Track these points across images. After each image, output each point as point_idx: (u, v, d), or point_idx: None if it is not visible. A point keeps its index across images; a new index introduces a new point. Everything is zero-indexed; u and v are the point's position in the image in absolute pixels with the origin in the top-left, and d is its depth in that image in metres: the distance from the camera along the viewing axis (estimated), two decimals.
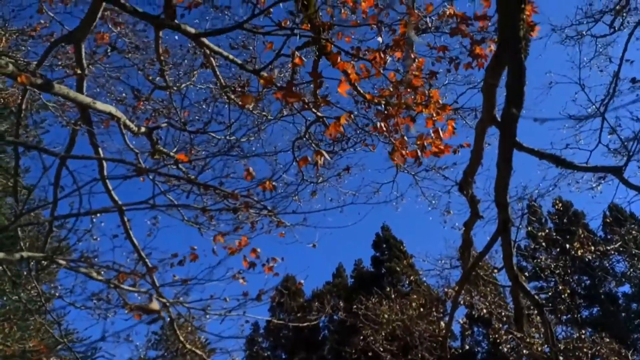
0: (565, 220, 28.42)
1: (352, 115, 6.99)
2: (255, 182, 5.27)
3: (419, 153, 5.59)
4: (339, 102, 5.93)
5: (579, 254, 13.16)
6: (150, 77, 9.21)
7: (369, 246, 38.83)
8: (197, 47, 8.41)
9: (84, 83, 6.93)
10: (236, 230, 5.95)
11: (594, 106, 11.07)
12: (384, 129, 5.76)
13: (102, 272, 5.41)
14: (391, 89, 5.70)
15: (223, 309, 5.54)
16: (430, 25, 6.20)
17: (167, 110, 9.59)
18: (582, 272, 31.55)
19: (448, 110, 5.49)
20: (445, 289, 15.37)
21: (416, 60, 5.65)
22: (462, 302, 14.40)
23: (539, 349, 11.39)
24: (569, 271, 17.64)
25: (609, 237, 24.66)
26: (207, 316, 5.87)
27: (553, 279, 23.04)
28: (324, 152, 4.87)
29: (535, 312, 10.60)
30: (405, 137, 5.75)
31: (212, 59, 8.27)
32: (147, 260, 6.89)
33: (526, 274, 18.95)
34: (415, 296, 16.73)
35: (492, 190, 6.63)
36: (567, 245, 13.48)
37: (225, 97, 8.71)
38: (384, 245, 37.64)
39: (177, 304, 5.58)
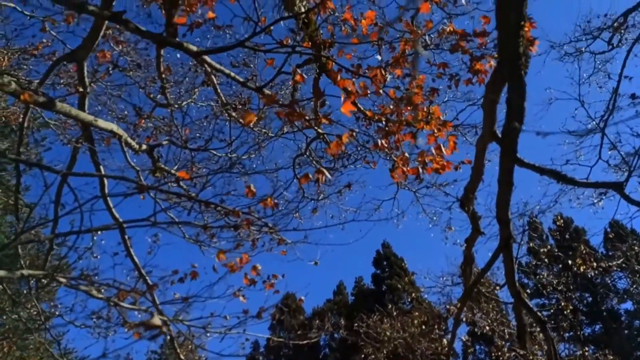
0: (566, 237, 28.35)
1: (353, 134, 7.00)
2: (256, 200, 5.27)
3: (420, 170, 5.59)
4: (340, 120, 5.94)
5: (581, 270, 13.10)
6: (152, 95, 9.26)
7: (369, 263, 38.70)
8: (199, 65, 8.46)
9: (86, 101, 6.97)
10: (237, 248, 5.93)
11: (593, 122, 11.11)
12: (385, 146, 5.77)
13: (103, 290, 5.38)
14: (392, 107, 5.71)
15: (223, 326, 5.50)
16: (430, 42, 6.25)
17: (168, 128, 9.62)
18: (583, 289, 31.40)
19: (449, 126, 5.50)
20: (447, 306, 15.31)
21: (417, 77, 5.68)
22: (464, 320, 14.33)
23: None
24: (570, 288, 17.55)
25: (610, 253, 24.54)
26: (208, 334, 5.82)
27: (555, 296, 22.91)
28: (325, 171, 4.87)
29: (538, 329, 10.53)
30: (406, 154, 5.76)
31: (213, 76, 8.32)
32: (147, 277, 6.85)
33: (528, 290, 18.83)
34: (416, 314, 16.66)
35: (494, 206, 6.63)
36: (569, 262, 13.41)
37: (226, 114, 8.74)
38: (385, 263, 37.48)
39: (178, 322, 5.54)
